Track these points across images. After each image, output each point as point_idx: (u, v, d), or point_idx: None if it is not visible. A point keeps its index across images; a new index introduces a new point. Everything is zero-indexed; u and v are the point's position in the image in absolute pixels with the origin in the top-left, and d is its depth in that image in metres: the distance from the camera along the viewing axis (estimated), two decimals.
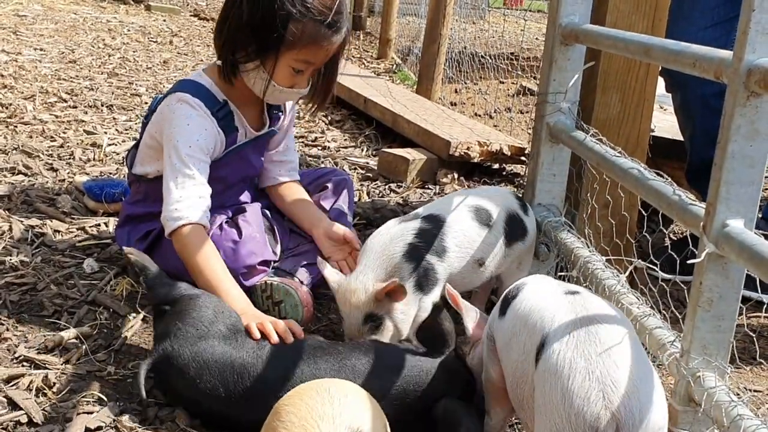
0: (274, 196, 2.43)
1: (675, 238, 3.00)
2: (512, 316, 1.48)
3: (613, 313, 1.36)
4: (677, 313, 1.72)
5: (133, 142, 3.60)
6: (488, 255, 2.02)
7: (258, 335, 1.73)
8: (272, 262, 2.20)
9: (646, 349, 1.55)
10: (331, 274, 1.95)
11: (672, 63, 1.55)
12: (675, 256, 1.87)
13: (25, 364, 1.83)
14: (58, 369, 1.81)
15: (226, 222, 2.20)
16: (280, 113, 2.36)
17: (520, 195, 2.21)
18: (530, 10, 9.80)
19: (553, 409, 1.24)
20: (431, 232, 1.97)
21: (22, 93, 4.45)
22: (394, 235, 1.96)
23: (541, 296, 1.45)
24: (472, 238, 1.99)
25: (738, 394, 1.30)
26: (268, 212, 2.33)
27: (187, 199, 2.01)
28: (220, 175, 2.19)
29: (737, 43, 1.27)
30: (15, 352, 1.86)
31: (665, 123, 3.33)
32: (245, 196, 2.36)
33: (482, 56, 5.86)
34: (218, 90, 2.19)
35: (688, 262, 1.38)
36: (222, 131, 2.17)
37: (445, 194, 3.36)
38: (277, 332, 1.75)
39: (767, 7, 1.24)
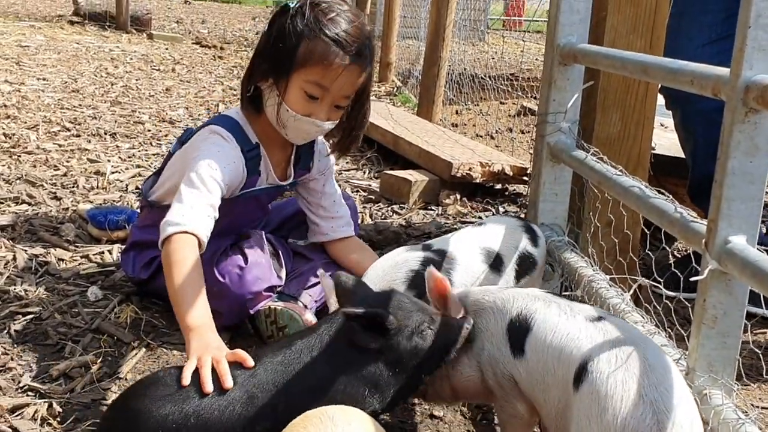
0: (333, 251, 2.39)
1: (679, 256, 3.00)
2: (538, 354, 1.44)
3: (647, 337, 1.37)
4: (682, 331, 1.72)
5: (137, 170, 3.67)
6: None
7: (188, 381, 1.49)
8: (277, 287, 2.20)
9: None
10: (331, 288, 1.92)
11: (670, 81, 1.55)
12: (678, 273, 1.87)
13: (29, 393, 1.83)
14: (63, 398, 1.81)
15: (230, 247, 2.20)
16: (309, 165, 2.32)
17: (528, 222, 2.18)
18: (529, 31, 9.85)
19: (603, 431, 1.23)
20: (439, 264, 1.90)
21: (26, 123, 4.48)
22: (399, 262, 1.93)
23: (565, 327, 1.42)
24: (479, 279, 1.94)
25: (746, 412, 1.29)
26: (271, 237, 2.34)
27: (196, 210, 1.92)
28: (229, 213, 2.18)
29: (734, 59, 1.28)
30: (20, 382, 1.86)
31: (666, 141, 3.33)
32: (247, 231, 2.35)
33: (482, 77, 5.89)
34: (251, 131, 2.18)
35: (691, 279, 1.37)
36: (246, 170, 2.16)
37: (448, 215, 3.37)
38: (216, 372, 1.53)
39: (763, 23, 1.24)
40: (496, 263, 1.96)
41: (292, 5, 2.04)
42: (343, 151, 2.28)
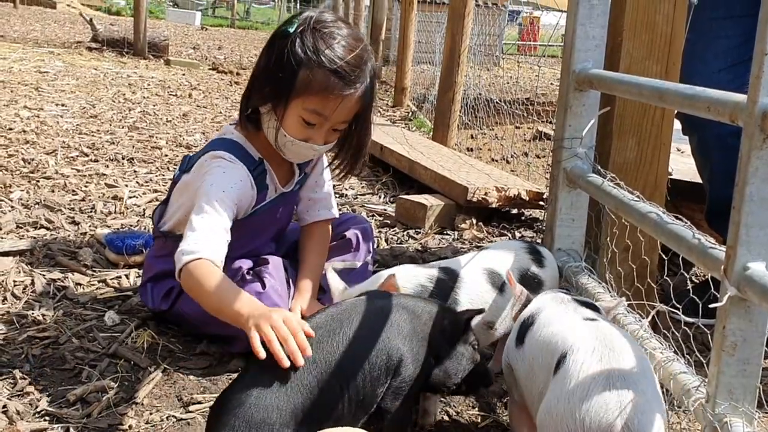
0: (301, 230, 2.42)
1: (697, 281, 2.98)
2: (531, 344, 1.57)
3: (630, 339, 1.48)
4: (701, 358, 1.70)
5: (154, 195, 3.69)
6: (497, 319, 2.00)
7: (262, 354, 1.55)
8: None
9: (670, 393, 1.54)
10: (335, 282, 1.94)
11: (687, 107, 1.55)
12: (697, 299, 1.85)
13: (47, 418, 1.83)
14: (80, 423, 1.81)
15: (248, 272, 2.21)
16: (307, 168, 2.36)
17: (534, 245, 2.20)
18: (544, 56, 9.88)
19: (568, 412, 1.33)
20: (446, 283, 1.97)
21: (44, 148, 4.52)
22: (407, 276, 1.96)
23: (560, 322, 1.54)
24: (485, 300, 1.99)
25: None
26: (286, 262, 2.34)
27: (209, 236, 1.93)
28: (247, 230, 2.19)
29: (751, 86, 1.28)
30: (37, 407, 1.86)
31: (683, 166, 3.33)
32: (268, 248, 2.36)
33: (497, 102, 5.90)
34: (252, 148, 2.19)
35: (710, 306, 1.37)
36: (255, 187, 2.17)
37: (464, 240, 3.37)
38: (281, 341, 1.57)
39: None
40: (498, 284, 2.02)
41: (291, 30, 2.02)
42: (348, 171, 2.27)
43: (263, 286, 2.13)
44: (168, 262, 2.27)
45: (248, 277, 2.17)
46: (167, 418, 1.86)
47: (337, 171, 2.27)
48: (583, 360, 1.38)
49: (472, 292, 1.98)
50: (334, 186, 2.52)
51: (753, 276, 1.29)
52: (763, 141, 1.27)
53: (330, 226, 2.44)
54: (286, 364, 1.52)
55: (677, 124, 2.57)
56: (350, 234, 2.50)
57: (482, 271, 2.02)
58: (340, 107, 2.03)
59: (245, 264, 2.22)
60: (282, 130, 2.06)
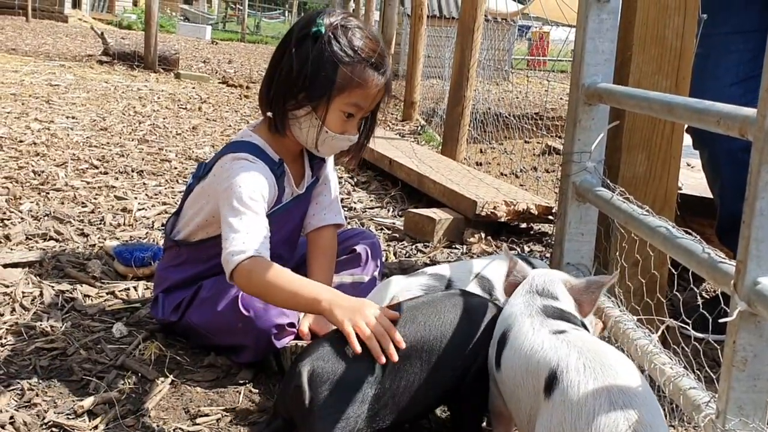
0: (308, 239, 2.41)
1: (707, 296, 2.96)
2: (508, 368, 1.55)
3: (609, 345, 1.47)
4: (711, 373, 1.69)
5: (163, 207, 3.70)
6: None
7: (358, 348, 1.64)
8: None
9: (679, 408, 1.53)
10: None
11: (696, 121, 1.55)
12: (707, 314, 1.84)
13: (54, 429, 1.82)
14: None
15: None
16: (323, 163, 2.38)
17: (526, 257, 2.23)
18: (553, 71, 9.89)
19: None
20: (439, 290, 1.99)
21: (54, 160, 4.54)
22: (402, 287, 1.96)
23: (532, 338, 1.52)
24: None
25: None
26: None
27: (253, 234, 1.95)
28: None
29: (761, 100, 1.27)
30: (44, 418, 1.86)
31: (693, 181, 3.32)
32: (281, 250, 2.35)
33: (506, 116, 5.91)
34: (271, 150, 2.20)
35: (720, 321, 1.36)
36: (277, 188, 2.18)
37: (473, 254, 3.36)
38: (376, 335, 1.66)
39: None
40: (488, 290, 2.05)
41: (323, 31, 2.07)
42: (358, 156, 2.32)
43: None
44: (182, 271, 2.28)
45: None
46: (174, 430, 1.85)
47: (349, 156, 2.31)
48: (578, 380, 1.35)
49: None
50: (342, 200, 2.53)
51: (763, 291, 1.28)
52: None
53: (336, 234, 2.44)
54: (383, 360, 1.62)
55: (687, 140, 2.57)
56: (360, 248, 2.50)
57: (471, 276, 2.05)
58: (375, 96, 2.14)
59: None
60: (325, 128, 2.11)
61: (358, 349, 1.63)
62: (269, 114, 2.18)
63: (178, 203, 2.48)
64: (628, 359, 1.45)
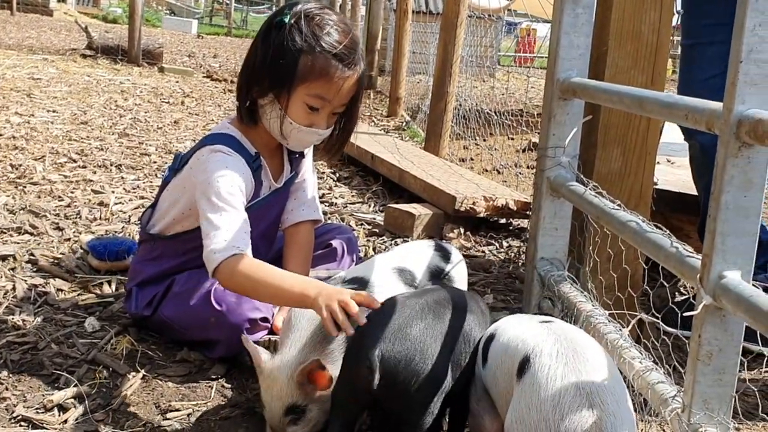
0: (285, 234, 2.41)
1: (686, 293, 2.96)
2: (493, 355, 1.57)
3: (589, 337, 1.50)
4: (681, 368, 1.69)
5: (141, 201, 3.68)
6: None
7: (335, 331, 1.67)
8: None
9: (648, 403, 1.54)
10: (256, 352, 1.84)
11: (666, 115, 1.55)
12: (676, 309, 1.84)
13: (23, 423, 1.81)
14: (56, 429, 1.79)
15: None
16: (302, 159, 2.37)
17: (439, 242, 2.23)
18: (542, 68, 9.91)
19: (540, 420, 1.32)
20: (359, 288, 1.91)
21: (33, 154, 4.51)
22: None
23: (517, 327, 1.56)
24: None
25: None
26: None
27: (233, 231, 1.94)
28: None
29: (726, 94, 1.28)
30: (13, 412, 1.85)
31: (672, 176, 3.32)
32: (259, 244, 2.33)
33: (488, 113, 5.91)
34: (248, 142, 2.19)
35: (685, 314, 1.36)
36: (254, 181, 2.17)
37: None
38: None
39: (755, 58, 1.24)
40: (409, 280, 2.02)
41: (286, 21, 2.07)
42: (337, 152, 2.30)
43: None
44: (157, 264, 2.27)
45: None
46: (144, 425, 1.84)
47: (326, 152, 2.29)
48: (549, 365, 1.37)
49: (387, 294, 1.86)
50: (324, 195, 2.52)
51: (728, 285, 1.28)
52: (739, 149, 1.27)
53: (314, 230, 2.43)
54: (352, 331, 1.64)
55: (665, 136, 2.57)
56: (336, 243, 2.49)
57: (393, 271, 2.03)
58: (342, 90, 2.09)
59: None
60: (288, 118, 2.10)
61: (334, 333, 1.67)
62: (237, 103, 2.18)
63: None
64: (603, 350, 1.47)
